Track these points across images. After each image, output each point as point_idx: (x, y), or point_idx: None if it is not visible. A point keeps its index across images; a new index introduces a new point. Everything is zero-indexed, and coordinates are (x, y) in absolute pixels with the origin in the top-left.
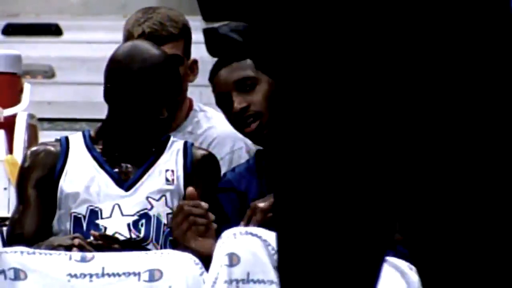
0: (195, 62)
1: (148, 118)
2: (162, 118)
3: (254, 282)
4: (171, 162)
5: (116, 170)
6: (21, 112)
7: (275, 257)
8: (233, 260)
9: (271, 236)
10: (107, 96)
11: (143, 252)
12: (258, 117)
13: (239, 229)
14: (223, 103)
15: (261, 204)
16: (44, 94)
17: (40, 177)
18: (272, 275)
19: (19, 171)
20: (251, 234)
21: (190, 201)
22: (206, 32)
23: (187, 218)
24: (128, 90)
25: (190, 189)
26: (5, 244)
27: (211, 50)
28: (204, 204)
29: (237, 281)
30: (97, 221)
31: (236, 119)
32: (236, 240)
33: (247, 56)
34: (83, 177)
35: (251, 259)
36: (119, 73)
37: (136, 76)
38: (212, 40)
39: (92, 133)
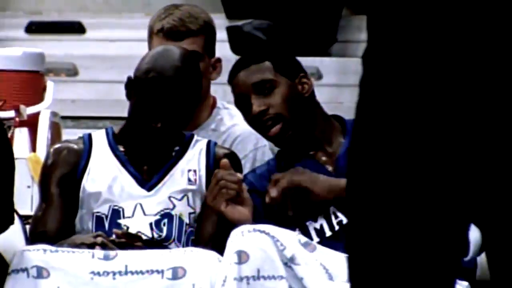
0: (218, 60)
1: (168, 120)
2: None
3: (265, 278)
4: (193, 161)
5: (139, 170)
6: (44, 110)
7: (284, 252)
8: (242, 257)
9: (279, 233)
10: (129, 96)
11: (166, 250)
12: (278, 119)
13: (247, 227)
14: (242, 105)
15: (282, 180)
16: (68, 92)
17: (63, 175)
18: (282, 271)
19: (42, 169)
20: (259, 231)
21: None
22: (229, 30)
23: (219, 182)
24: (146, 96)
25: (225, 160)
26: (28, 242)
27: (234, 48)
28: (238, 174)
29: (248, 278)
30: (119, 221)
31: (255, 122)
32: (245, 238)
33: (269, 56)
34: (105, 176)
35: (260, 256)
36: (140, 78)
37: (155, 82)
38: (235, 38)
39: (116, 130)
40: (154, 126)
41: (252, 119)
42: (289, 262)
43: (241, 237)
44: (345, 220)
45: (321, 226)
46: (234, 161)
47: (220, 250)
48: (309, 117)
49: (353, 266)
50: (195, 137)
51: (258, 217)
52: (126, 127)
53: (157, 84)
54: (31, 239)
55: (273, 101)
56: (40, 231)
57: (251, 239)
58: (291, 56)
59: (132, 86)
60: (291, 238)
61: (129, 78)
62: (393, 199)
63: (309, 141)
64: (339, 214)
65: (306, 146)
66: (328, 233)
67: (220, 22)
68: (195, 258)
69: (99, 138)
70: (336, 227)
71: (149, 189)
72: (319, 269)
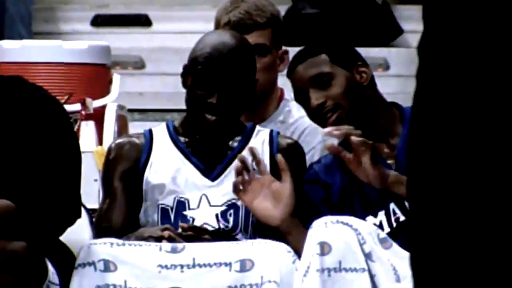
0: (285, 52)
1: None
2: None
3: (346, 270)
4: (258, 151)
5: (202, 160)
6: (110, 103)
7: (364, 247)
8: (324, 249)
9: (361, 225)
10: (184, 84)
11: (234, 242)
12: (336, 109)
13: (330, 218)
14: (301, 99)
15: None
16: (134, 85)
17: (125, 170)
18: (364, 263)
19: (104, 164)
20: (342, 223)
21: None
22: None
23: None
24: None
25: (280, 158)
26: (95, 236)
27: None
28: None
29: (329, 269)
30: (184, 212)
31: (315, 115)
32: (327, 229)
33: (325, 48)
34: (169, 168)
35: (342, 248)
36: (193, 61)
37: (208, 62)
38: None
39: (176, 123)
40: (209, 102)
41: (311, 112)
42: (365, 258)
43: (324, 228)
44: (402, 218)
45: (380, 222)
46: (297, 151)
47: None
48: (370, 107)
49: (416, 264)
50: (257, 127)
51: (321, 210)
52: (186, 118)
53: (209, 63)
54: (96, 235)
55: (331, 93)
56: (105, 226)
57: (334, 231)
58: (347, 46)
59: (187, 72)
60: (371, 232)
61: (184, 66)
62: (455, 195)
63: (371, 131)
64: (397, 211)
65: (368, 136)
66: (386, 229)
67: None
68: (263, 250)
69: (160, 132)
70: (394, 224)
71: (213, 179)
72: (389, 269)
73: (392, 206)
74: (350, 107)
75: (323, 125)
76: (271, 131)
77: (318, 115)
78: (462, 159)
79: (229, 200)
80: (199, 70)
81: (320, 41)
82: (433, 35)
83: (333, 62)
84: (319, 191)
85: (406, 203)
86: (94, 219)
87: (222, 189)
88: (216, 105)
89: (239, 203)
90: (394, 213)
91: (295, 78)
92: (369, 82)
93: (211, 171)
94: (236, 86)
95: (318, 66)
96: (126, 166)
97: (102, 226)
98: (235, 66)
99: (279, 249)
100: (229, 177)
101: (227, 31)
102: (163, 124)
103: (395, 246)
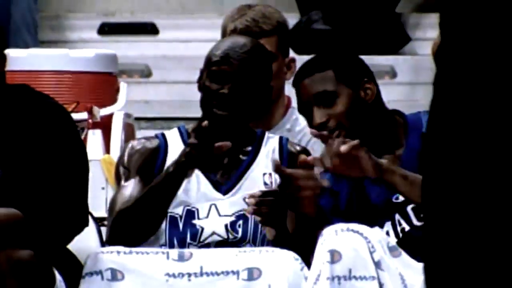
0: (292, 60)
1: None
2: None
3: (356, 278)
4: (268, 164)
5: (214, 173)
6: (117, 111)
7: (374, 255)
8: (334, 257)
9: (371, 233)
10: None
11: (241, 251)
12: (337, 129)
13: (341, 226)
14: (305, 112)
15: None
16: (141, 93)
17: (140, 166)
18: (373, 272)
19: (118, 164)
20: (353, 231)
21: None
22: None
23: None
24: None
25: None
26: (102, 244)
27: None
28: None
29: (339, 277)
30: (193, 221)
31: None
32: (338, 237)
33: (332, 64)
34: None
35: (353, 256)
36: (207, 63)
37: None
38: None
39: (189, 129)
40: (221, 93)
41: (314, 129)
42: (375, 266)
43: (335, 236)
44: (407, 228)
45: (387, 232)
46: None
47: (299, 248)
48: (373, 123)
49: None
50: (267, 134)
51: (330, 218)
52: (199, 124)
53: (224, 58)
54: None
55: (334, 112)
56: (119, 210)
57: (344, 239)
58: (354, 63)
59: (202, 72)
60: (381, 240)
61: (200, 70)
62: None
63: (375, 145)
64: (403, 222)
65: (372, 150)
66: (393, 239)
67: (294, 22)
68: (271, 258)
69: (173, 137)
70: (400, 235)
71: (224, 193)
72: (397, 278)
73: (397, 217)
74: (352, 126)
75: (325, 142)
76: (281, 138)
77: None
78: (479, 166)
79: (238, 211)
80: (214, 63)
81: (328, 57)
82: (450, 44)
83: (338, 80)
84: (328, 199)
85: (410, 214)
86: (102, 227)
87: (232, 199)
88: (227, 96)
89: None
90: (400, 224)
91: (300, 91)
92: (375, 98)
93: (223, 184)
94: (249, 82)
95: (323, 83)
96: (142, 163)
97: (117, 210)
98: (250, 62)
99: (286, 257)
100: (241, 190)
101: (243, 36)
102: (175, 129)
103: (404, 255)
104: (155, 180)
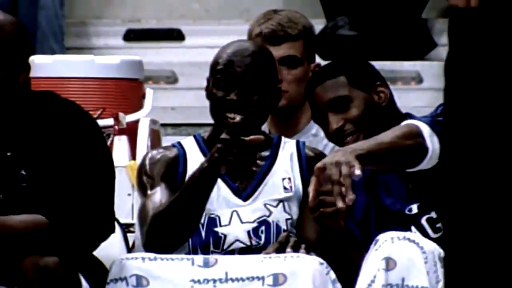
0: (318, 65)
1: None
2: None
3: (408, 287)
4: (287, 168)
5: (233, 178)
6: (143, 117)
7: (427, 265)
8: (389, 264)
9: (426, 244)
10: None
11: (266, 256)
12: (354, 132)
13: (397, 234)
14: (319, 120)
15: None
16: (167, 99)
17: (163, 174)
18: (426, 282)
19: (139, 173)
20: (409, 239)
21: None
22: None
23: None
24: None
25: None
26: (129, 251)
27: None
28: None
29: (392, 285)
30: (216, 229)
31: (334, 138)
32: (394, 245)
33: (344, 70)
34: None
35: (407, 265)
36: (212, 69)
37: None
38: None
39: (205, 137)
40: (229, 99)
41: (331, 135)
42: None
43: (390, 243)
44: (432, 235)
45: None
46: None
47: (324, 253)
48: (388, 126)
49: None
50: (283, 139)
51: (348, 225)
52: (213, 131)
53: (229, 63)
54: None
55: (349, 116)
56: (152, 214)
57: (400, 247)
58: (365, 67)
59: (209, 80)
60: (433, 251)
61: (207, 79)
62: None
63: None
64: (427, 227)
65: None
66: None
67: (320, 27)
68: (296, 264)
69: (191, 145)
70: None
71: (245, 199)
72: None
73: (413, 230)
74: (368, 129)
75: (342, 146)
76: (298, 142)
77: (337, 138)
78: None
79: (260, 217)
80: (219, 71)
81: (338, 63)
82: (458, 54)
83: (351, 84)
84: None
85: (426, 226)
86: (128, 233)
87: (253, 206)
88: (236, 102)
89: (270, 219)
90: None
91: (313, 100)
92: (388, 101)
93: (243, 190)
94: (255, 84)
95: (336, 89)
96: (164, 171)
97: (149, 215)
98: (254, 66)
99: (311, 263)
100: (261, 196)
101: (247, 40)
102: (191, 138)
103: None
104: (188, 179)
